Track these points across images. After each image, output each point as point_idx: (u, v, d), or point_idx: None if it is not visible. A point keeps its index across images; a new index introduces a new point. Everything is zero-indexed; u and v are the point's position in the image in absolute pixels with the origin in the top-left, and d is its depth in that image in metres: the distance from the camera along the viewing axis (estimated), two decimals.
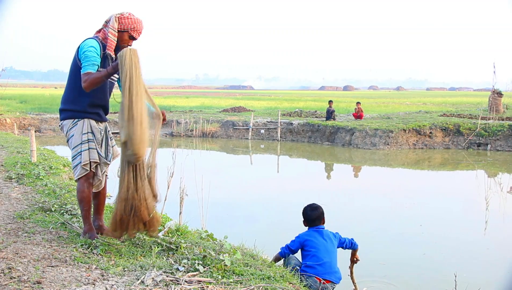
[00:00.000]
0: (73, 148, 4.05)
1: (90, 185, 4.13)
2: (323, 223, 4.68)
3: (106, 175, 4.35)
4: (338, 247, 4.65)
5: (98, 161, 4.07)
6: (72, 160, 4.08)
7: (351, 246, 4.75)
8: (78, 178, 4.06)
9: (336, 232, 4.70)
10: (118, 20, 3.98)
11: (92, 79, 3.82)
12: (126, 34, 4.01)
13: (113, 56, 4.03)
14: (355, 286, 5.04)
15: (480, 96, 46.62)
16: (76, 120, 4.06)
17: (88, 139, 4.02)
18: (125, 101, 3.66)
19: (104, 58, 4.00)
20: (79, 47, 3.98)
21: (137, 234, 4.13)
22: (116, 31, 3.98)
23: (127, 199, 3.83)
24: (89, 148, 4.01)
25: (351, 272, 4.97)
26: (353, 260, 4.92)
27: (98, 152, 4.06)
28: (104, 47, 4.00)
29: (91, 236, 4.13)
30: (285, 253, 4.64)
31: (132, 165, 3.83)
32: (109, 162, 4.19)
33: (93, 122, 4.08)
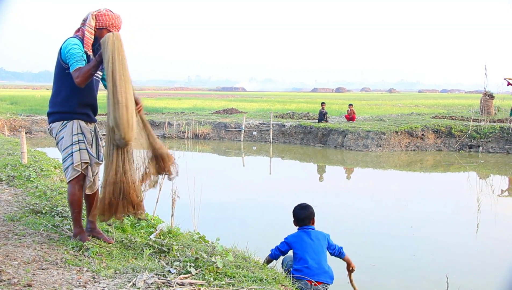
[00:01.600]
0: (63, 150, 4.02)
1: (81, 188, 4.10)
2: (313, 223, 4.65)
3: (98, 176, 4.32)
4: (329, 251, 4.61)
5: (89, 162, 4.04)
6: (63, 162, 4.05)
7: (339, 254, 4.65)
8: (70, 180, 4.04)
9: (327, 234, 4.65)
10: (96, 17, 3.96)
11: (83, 72, 3.79)
12: (105, 31, 3.95)
13: (90, 54, 4.00)
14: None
15: (471, 98, 46.88)
16: (65, 122, 4.03)
17: (78, 140, 3.99)
18: (109, 85, 3.64)
19: (87, 57, 3.97)
20: (61, 49, 3.96)
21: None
22: (93, 28, 3.97)
23: (115, 182, 3.79)
24: (79, 149, 3.99)
25: (351, 280, 4.88)
26: (349, 269, 4.82)
27: (89, 152, 4.04)
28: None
29: (82, 238, 4.10)
30: (275, 254, 4.64)
31: (120, 148, 3.80)
32: (100, 162, 4.14)
33: (82, 123, 4.05)
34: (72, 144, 3.98)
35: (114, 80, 3.62)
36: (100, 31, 3.97)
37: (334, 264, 4.64)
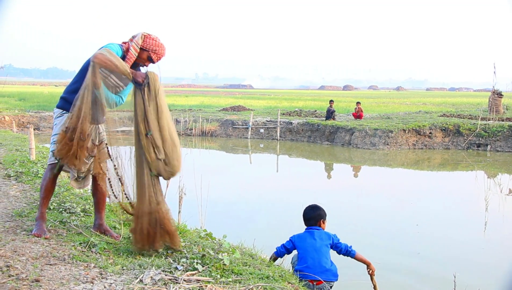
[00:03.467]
0: (52, 135, 4.12)
1: (54, 177, 4.17)
2: (320, 225, 4.61)
3: (105, 175, 4.34)
4: (336, 251, 4.56)
5: None
6: (50, 146, 4.14)
7: (347, 253, 4.56)
8: (48, 164, 4.15)
9: (334, 234, 4.59)
10: (144, 38, 4.06)
11: (107, 57, 3.81)
12: (146, 54, 4.08)
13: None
14: None
15: (480, 97, 46.64)
16: (64, 112, 4.09)
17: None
18: (152, 118, 3.89)
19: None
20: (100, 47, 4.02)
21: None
22: (139, 47, 4.05)
23: (150, 212, 3.91)
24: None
25: (374, 286, 4.72)
26: (370, 273, 4.67)
27: None
28: (124, 57, 4.02)
29: (38, 225, 4.11)
30: (281, 251, 4.63)
31: (153, 179, 3.95)
32: (87, 162, 4.13)
33: None
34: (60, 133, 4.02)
35: (160, 113, 3.90)
36: (142, 52, 4.08)
37: (339, 263, 4.61)
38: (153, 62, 4.16)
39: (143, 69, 4.15)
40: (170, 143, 3.92)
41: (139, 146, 3.92)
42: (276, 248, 4.66)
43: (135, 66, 4.11)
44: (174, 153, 3.93)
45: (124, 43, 4.11)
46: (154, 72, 3.94)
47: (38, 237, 3.98)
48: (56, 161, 4.05)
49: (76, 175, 4.14)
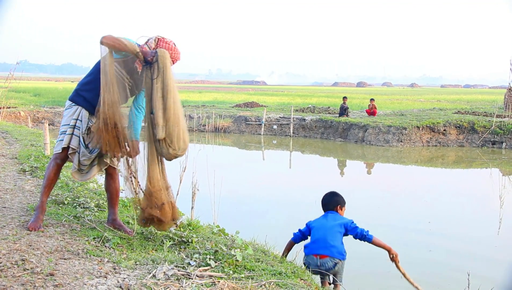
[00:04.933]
0: (61, 125, 4.16)
1: (58, 168, 4.21)
2: (337, 210, 4.63)
3: (115, 169, 4.37)
4: (352, 235, 4.47)
5: (76, 149, 4.11)
6: (58, 136, 4.17)
7: (362, 237, 4.42)
8: (54, 154, 4.19)
9: (351, 220, 4.53)
10: (158, 41, 4.05)
11: (115, 39, 3.85)
12: None
13: (139, 70, 4.05)
14: (413, 285, 4.49)
15: (495, 94, 46.16)
16: (74, 104, 4.13)
17: (74, 125, 4.07)
18: (158, 96, 3.85)
19: (133, 71, 4.04)
20: None
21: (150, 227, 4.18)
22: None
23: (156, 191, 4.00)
24: (72, 134, 4.06)
25: (403, 274, 4.48)
26: (392, 258, 4.46)
27: (80, 141, 4.09)
28: (135, 60, 4.03)
29: (35, 217, 4.13)
30: (296, 235, 4.68)
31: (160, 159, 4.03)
32: (90, 155, 4.16)
33: (85, 113, 4.10)
34: (69, 124, 4.07)
35: (165, 99, 3.85)
36: None
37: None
38: None
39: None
40: (174, 123, 3.87)
41: (147, 126, 3.99)
42: (293, 233, 4.70)
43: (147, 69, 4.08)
44: (177, 133, 3.89)
45: (140, 46, 4.08)
46: (164, 50, 3.92)
47: (31, 230, 3.98)
48: (60, 152, 4.09)
49: (76, 167, 4.19)
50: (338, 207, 4.66)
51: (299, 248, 4.91)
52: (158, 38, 4.05)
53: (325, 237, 4.37)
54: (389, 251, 4.45)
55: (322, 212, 4.72)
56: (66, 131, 4.07)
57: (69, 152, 4.11)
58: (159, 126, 3.83)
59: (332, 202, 4.67)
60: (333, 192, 4.77)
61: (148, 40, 4.07)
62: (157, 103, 3.83)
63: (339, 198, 4.70)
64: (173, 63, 4.09)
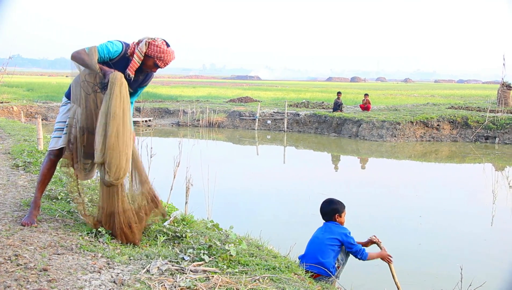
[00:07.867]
0: (57, 122, 4.12)
1: (53, 164, 4.17)
2: (335, 219, 4.55)
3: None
4: (349, 252, 4.47)
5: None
6: (53, 132, 4.14)
7: (356, 255, 4.43)
8: (48, 150, 4.16)
9: (346, 231, 4.48)
10: (148, 44, 3.92)
11: (84, 55, 3.80)
12: (151, 60, 3.96)
13: (132, 77, 3.98)
14: (397, 285, 4.54)
15: (488, 89, 46.36)
16: (68, 101, 4.07)
17: (72, 124, 4.02)
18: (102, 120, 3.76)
19: (128, 79, 3.95)
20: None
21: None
22: (143, 54, 3.93)
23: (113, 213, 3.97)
24: (70, 133, 4.01)
25: (393, 276, 4.54)
26: (386, 261, 4.55)
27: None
28: (125, 56, 3.98)
29: (29, 213, 4.11)
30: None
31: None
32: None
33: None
34: (66, 122, 4.03)
35: (117, 131, 3.74)
36: (147, 58, 3.96)
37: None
38: (160, 68, 4.06)
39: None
40: (114, 151, 3.74)
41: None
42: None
43: (141, 72, 4.04)
44: (117, 162, 3.75)
45: (130, 46, 4.02)
46: (116, 75, 3.76)
47: (25, 226, 3.95)
48: (54, 150, 4.07)
49: (79, 167, 4.16)
50: (336, 215, 4.57)
51: (292, 243, 4.93)
52: (149, 42, 3.93)
53: (314, 252, 4.37)
54: (383, 259, 4.56)
55: (316, 209, 4.70)
56: (63, 130, 4.03)
57: (66, 152, 4.07)
58: (97, 151, 3.75)
59: (329, 211, 4.58)
60: (330, 200, 4.67)
61: (140, 41, 3.96)
62: (99, 128, 3.74)
63: (336, 205, 4.59)
64: (166, 65, 4.02)
